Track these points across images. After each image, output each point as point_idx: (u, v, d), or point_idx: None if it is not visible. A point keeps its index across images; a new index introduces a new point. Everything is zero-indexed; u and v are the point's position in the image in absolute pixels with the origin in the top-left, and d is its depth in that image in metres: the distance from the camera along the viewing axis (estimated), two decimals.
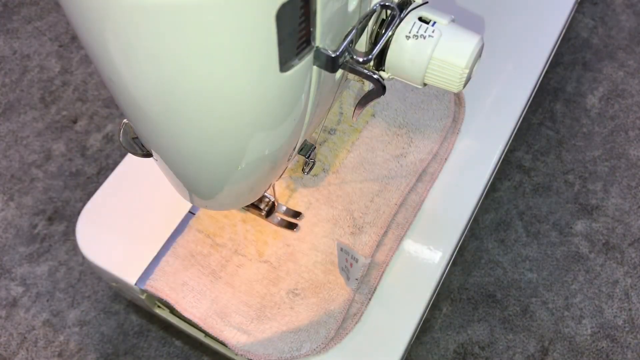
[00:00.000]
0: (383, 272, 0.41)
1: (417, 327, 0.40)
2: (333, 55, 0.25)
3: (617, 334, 0.49)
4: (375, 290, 0.40)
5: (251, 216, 0.43)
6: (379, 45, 0.29)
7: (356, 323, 0.39)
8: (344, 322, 0.39)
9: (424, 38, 0.29)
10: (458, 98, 0.47)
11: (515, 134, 0.51)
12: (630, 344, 0.49)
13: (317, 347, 0.38)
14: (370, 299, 0.40)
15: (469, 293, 0.51)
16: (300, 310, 0.39)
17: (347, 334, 0.39)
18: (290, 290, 0.40)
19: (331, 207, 0.42)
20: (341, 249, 0.40)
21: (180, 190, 0.35)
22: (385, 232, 0.42)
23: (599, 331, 0.49)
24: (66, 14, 0.21)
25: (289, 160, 0.35)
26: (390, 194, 0.43)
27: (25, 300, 0.51)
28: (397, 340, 0.39)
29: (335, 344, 0.39)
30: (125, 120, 0.33)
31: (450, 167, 0.44)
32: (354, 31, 0.27)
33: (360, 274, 0.39)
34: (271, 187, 0.41)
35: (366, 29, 0.29)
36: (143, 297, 0.42)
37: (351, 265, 0.39)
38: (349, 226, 0.42)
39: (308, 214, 0.42)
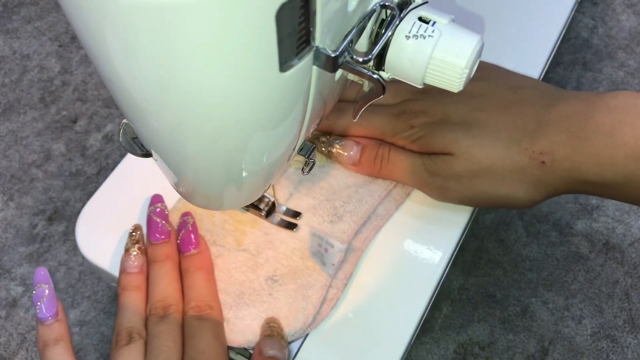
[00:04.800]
0: (359, 258, 0.41)
1: (417, 327, 0.40)
2: (333, 55, 0.25)
3: (617, 334, 0.49)
4: (351, 275, 0.41)
5: None
6: (378, 45, 0.29)
7: (332, 308, 0.40)
8: (320, 307, 0.40)
9: (424, 38, 0.29)
10: None
11: None
12: (630, 344, 0.49)
13: (295, 333, 0.39)
14: (346, 285, 0.40)
15: (469, 293, 0.51)
16: (279, 297, 0.40)
17: (323, 319, 0.40)
18: (269, 277, 0.41)
19: (313, 197, 0.43)
20: (313, 234, 0.40)
21: (180, 190, 0.35)
22: (365, 223, 0.42)
23: (599, 331, 0.49)
24: (65, 13, 0.21)
25: (288, 160, 0.35)
26: (376, 187, 0.43)
27: (25, 300, 0.51)
28: (397, 340, 0.39)
29: (312, 329, 0.39)
30: (125, 120, 0.33)
31: None
32: (353, 31, 0.27)
33: (337, 259, 0.39)
34: (271, 187, 0.42)
35: (366, 29, 0.29)
36: None
37: (326, 250, 0.40)
38: (328, 215, 0.42)
39: (289, 204, 0.43)
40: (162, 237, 0.40)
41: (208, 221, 0.43)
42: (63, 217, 0.55)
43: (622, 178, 0.34)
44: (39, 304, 0.36)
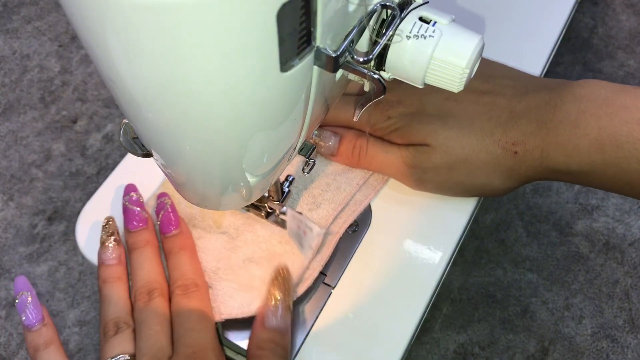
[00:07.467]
0: (336, 241, 0.41)
1: (417, 327, 0.40)
2: (333, 55, 0.25)
3: (617, 334, 0.49)
4: (329, 259, 0.41)
5: None
6: (379, 45, 0.29)
7: (307, 288, 0.40)
8: (295, 287, 0.40)
9: (425, 38, 0.29)
10: None
11: None
12: (630, 344, 0.49)
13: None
14: (323, 265, 0.40)
15: (469, 293, 0.51)
16: (255, 273, 0.40)
17: (296, 297, 0.40)
18: (247, 258, 0.41)
19: (293, 186, 0.43)
20: (293, 216, 0.40)
21: (180, 190, 0.35)
22: (343, 208, 0.42)
23: (599, 331, 0.49)
24: (66, 13, 0.21)
25: (289, 160, 0.35)
26: (354, 175, 0.43)
27: None
28: (397, 340, 0.39)
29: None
30: (125, 120, 0.33)
31: None
32: (354, 31, 0.27)
33: (316, 244, 0.40)
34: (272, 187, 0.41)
35: (366, 29, 0.29)
36: None
37: (305, 233, 0.40)
38: (307, 203, 0.42)
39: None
40: (140, 224, 0.40)
41: (186, 204, 0.43)
42: (63, 217, 0.55)
43: (587, 166, 0.35)
44: (24, 311, 0.36)
